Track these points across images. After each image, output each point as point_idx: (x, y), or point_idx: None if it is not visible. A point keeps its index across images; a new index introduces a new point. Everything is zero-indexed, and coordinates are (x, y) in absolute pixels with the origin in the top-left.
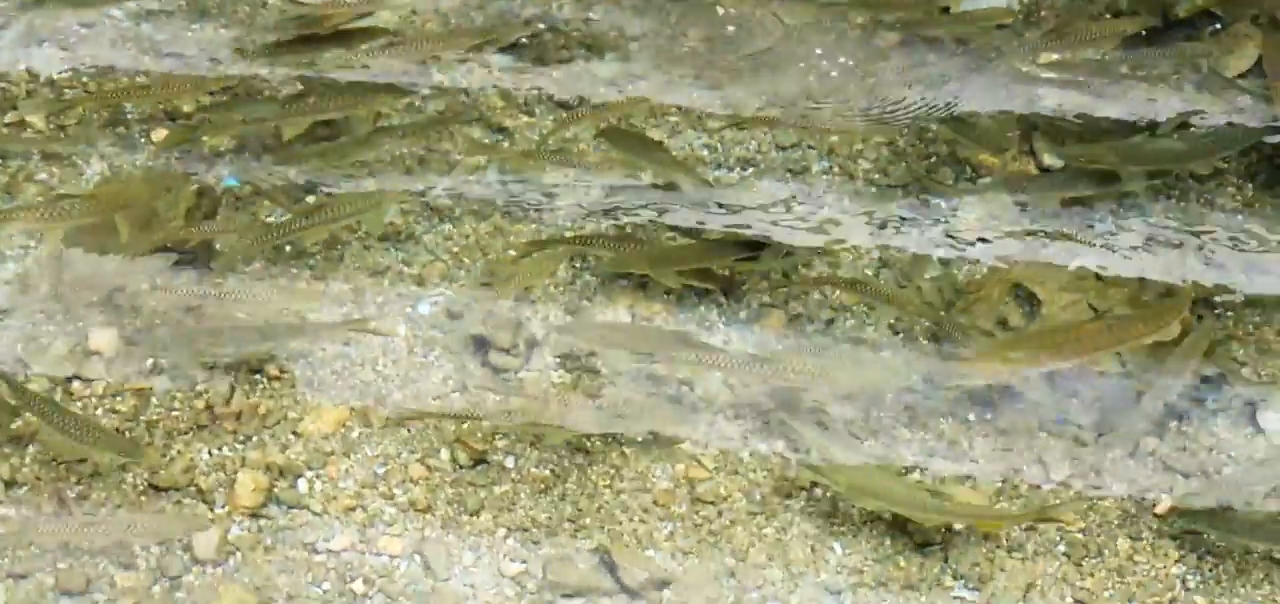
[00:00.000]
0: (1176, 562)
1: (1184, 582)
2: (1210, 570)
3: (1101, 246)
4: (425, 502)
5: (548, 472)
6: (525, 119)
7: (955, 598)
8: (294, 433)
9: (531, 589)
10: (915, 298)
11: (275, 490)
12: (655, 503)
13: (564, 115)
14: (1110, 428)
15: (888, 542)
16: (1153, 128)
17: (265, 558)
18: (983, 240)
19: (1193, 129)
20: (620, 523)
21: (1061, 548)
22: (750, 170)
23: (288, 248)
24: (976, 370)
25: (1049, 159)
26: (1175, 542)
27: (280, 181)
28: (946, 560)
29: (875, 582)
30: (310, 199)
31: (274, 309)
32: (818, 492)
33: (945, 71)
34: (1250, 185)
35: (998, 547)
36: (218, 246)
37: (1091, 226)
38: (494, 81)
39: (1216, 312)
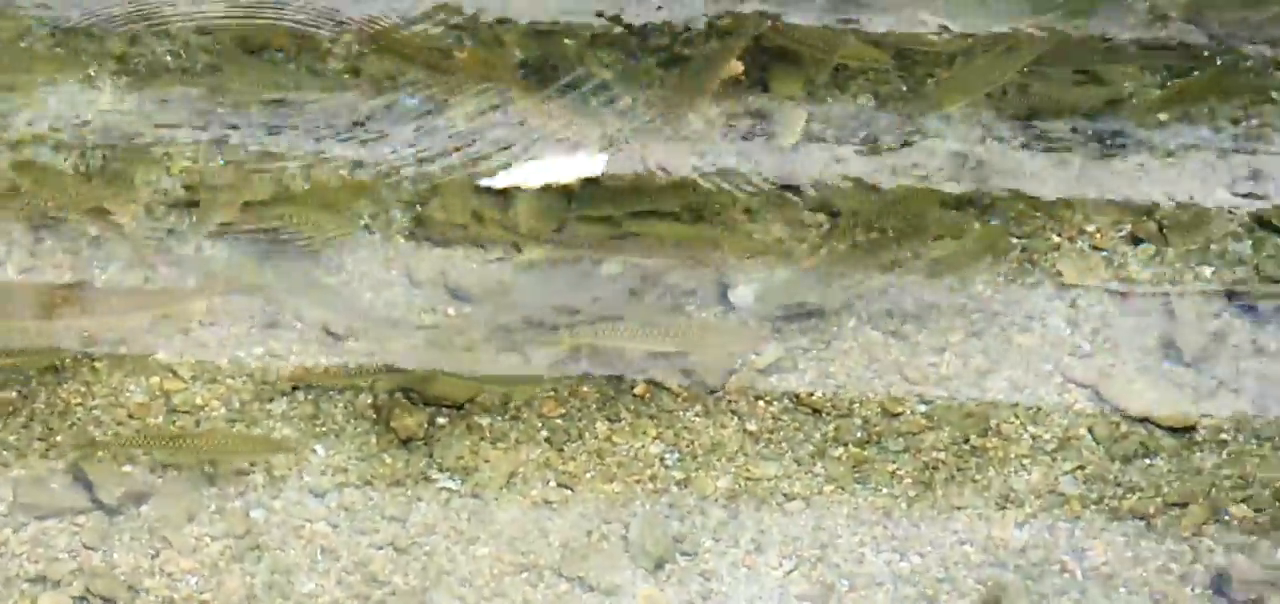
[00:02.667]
0: (654, 440)
1: (662, 459)
2: (686, 447)
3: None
4: None
5: (14, 394)
6: None
7: (442, 489)
8: None
9: (2, 513)
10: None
11: None
12: (130, 417)
13: None
14: (600, 313)
15: (373, 440)
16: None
17: None
18: None
19: None
20: (95, 439)
21: (543, 434)
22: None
23: None
24: None
25: None
26: (653, 420)
27: None
28: (431, 455)
29: (361, 481)
30: None
31: None
32: (300, 394)
33: None
34: None
35: (481, 438)
36: None
37: None
38: None
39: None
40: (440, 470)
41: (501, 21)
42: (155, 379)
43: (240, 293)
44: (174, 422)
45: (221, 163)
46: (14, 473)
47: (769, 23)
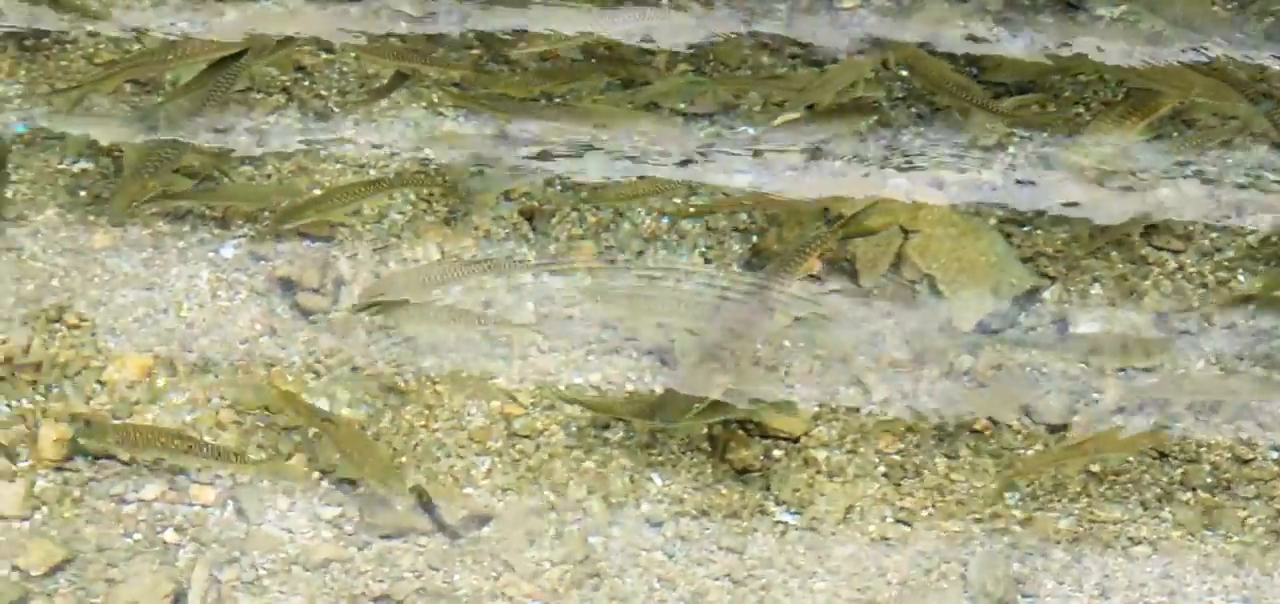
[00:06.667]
0: (995, 477)
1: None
2: (1027, 486)
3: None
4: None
5: (362, 413)
6: (325, 56)
7: (778, 523)
8: (98, 382)
9: (349, 532)
10: None
11: (80, 441)
12: (471, 440)
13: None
14: (925, 348)
15: (708, 470)
16: None
17: (73, 510)
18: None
19: None
20: (437, 462)
21: (881, 470)
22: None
23: (81, 193)
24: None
25: None
26: (994, 459)
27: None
28: (768, 487)
29: (696, 511)
30: None
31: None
32: (636, 423)
33: None
34: None
35: (818, 471)
36: (8, 195)
37: None
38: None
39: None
40: (777, 503)
41: None
42: (496, 403)
43: None
44: (513, 446)
45: None
46: (360, 492)
47: None
